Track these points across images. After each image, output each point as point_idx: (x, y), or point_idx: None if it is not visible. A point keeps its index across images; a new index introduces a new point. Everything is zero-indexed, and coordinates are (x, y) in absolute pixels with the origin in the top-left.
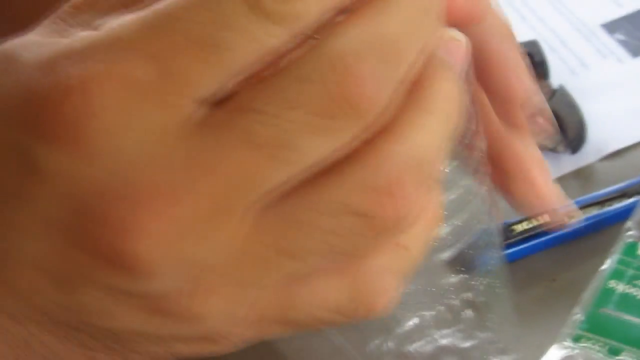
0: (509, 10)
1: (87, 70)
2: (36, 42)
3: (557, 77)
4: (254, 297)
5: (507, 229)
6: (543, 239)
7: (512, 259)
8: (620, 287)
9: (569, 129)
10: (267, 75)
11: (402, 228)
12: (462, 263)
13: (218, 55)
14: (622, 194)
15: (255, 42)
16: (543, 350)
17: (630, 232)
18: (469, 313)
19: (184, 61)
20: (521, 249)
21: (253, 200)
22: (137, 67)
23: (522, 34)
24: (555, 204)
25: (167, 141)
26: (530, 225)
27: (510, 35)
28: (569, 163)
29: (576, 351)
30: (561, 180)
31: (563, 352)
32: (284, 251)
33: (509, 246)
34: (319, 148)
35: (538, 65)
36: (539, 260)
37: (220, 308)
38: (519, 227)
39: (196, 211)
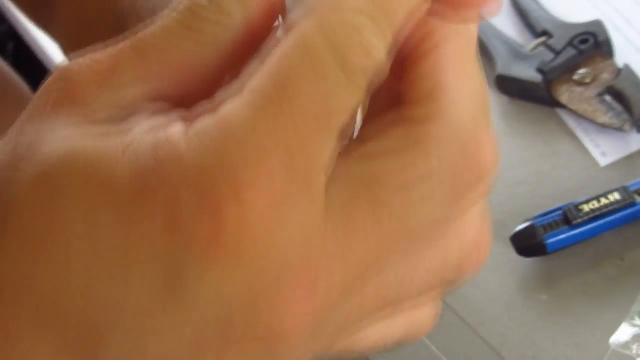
0: None
1: (236, 179)
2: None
3: (622, 56)
4: None
5: (576, 208)
6: (611, 218)
7: (580, 239)
8: None
9: (635, 108)
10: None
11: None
12: None
13: (334, 124)
14: None
15: (355, 100)
16: (613, 329)
17: None
18: None
19: (310, 143)
20: (590, 228)
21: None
22: (275, 166)
23: (586, 14)
24: None
25: (316, 230)
26: (599, 205)
27: None
28: (637, 142)
29: None
30: (628, 159)
31: (633, 331)
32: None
33: (577, 226)
34: (440, 229)
35: (603, 44)
36: (608, 240)
37: None
38: (587, 207)
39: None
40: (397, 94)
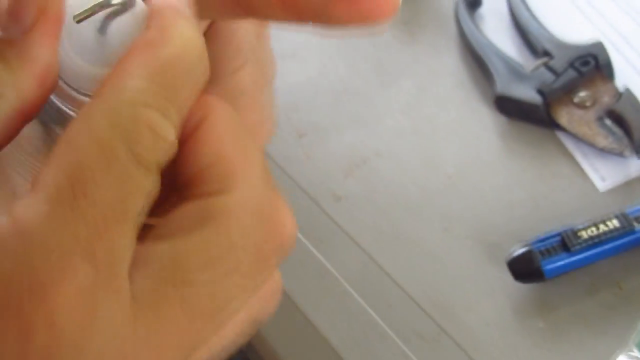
0: (573, 11)
1: (41, 285)
2: None
3: (622, 78)
4: None
5: (574, 234)
6: (610, 245)
7: (578, 265)
8: None
9: (635, 133)
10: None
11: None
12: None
13: (132, 211)
14: None
15: (149, 184)
16: (609, 358)
17: None
18: None
19: (110, 234)
20: (588, 255)
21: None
22: (78, 263)
23: (587, 35)
24: None
25: (126, 322)
26: (597, 232)
27: None
28: (636, 167)
29: None
30: (628, 184)
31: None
32: None
33: (575, 252)
34: (249, 295)
35: (603, 66)
36: (606, 267)
37: None
38: (585, 233)
39: None
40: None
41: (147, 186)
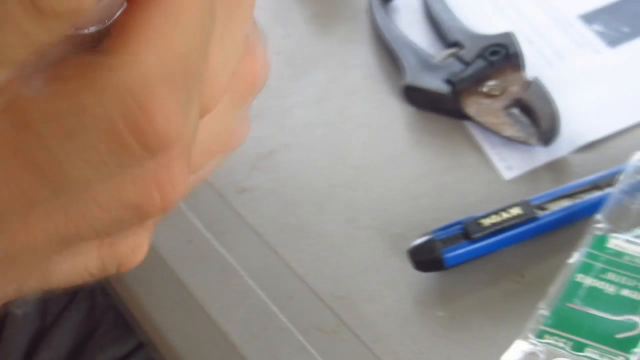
0: (486, 3)
1: None
2: None
3: (533, 68)
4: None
5: (475, 222)
6: (512, 232)
7: (480, 254)
8: (588, 281)
9: (542, 122)
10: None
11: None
12: None
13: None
14: (594, 187)
15: (29, 38)
16: (508, 346)
17: (599, 225)
18: None
19: None
20: (489, 243)
21: None
22: None
23: (498, 26)
24: None
25: None
26: (499, 219)
27: None
28: (542, 155)
29: (539, 348)
30: (533, 173)
31: (526, 348)
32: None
33: (477, 240)
34: (94, 180)
35: (513, 56)
36: (508, 255)
37: None
38: (487, 221)
39: None
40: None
41: (34, 34)
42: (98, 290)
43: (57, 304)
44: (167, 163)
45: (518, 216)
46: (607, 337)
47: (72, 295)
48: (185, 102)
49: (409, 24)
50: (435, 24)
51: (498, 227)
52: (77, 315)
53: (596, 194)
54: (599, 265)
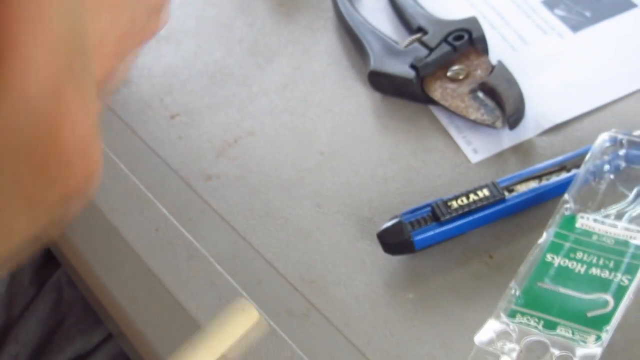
0: None
1: None
2: None
3: (497, 53)
4: None
5: (444, 205)
6: (480, 214)
7: (449, 236)
8: (557, 260)
9: (507, 105)
10: None
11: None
12: None
13: None
14: (561, 168)
15: None
16: (480, 326)
17: (567, 205)
18: None
19: None
20: (458, 225)
21: None
22: None
23: (462, 11)
24: None
25: None
26: (467, 201)
27: None
28: (508, 138)
29: (511, 327)
30: (499, 156)
31: (498, 327)
32: None
33: (445, 222)
34: None
35: (477, 41)
36: (477, 237)
37: None
38: (456, 203)
39: None
40: None
41: None
42: (64, 282)
43: (22, 297)
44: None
45: (486, 198)
46: (578, 315)
47: (38, 288)
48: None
49: (373, 11)
50: (399, 11)
51: (466, 209)
52: (43, 308)
53: (563, 175)
54: (568, 244)
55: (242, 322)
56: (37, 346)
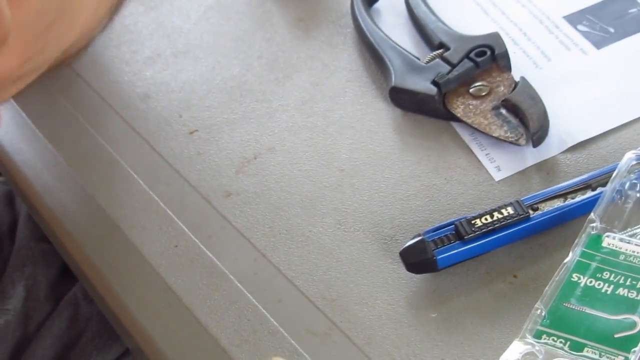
0: (471, 5)
1: None
2: None
3: (519, 70)
4: None
5: (468, 223)
6: (505, 232)
7: (472, 254)
8: (584, 281)
9: (531, 122)
10: None
11: None
12: None
13: None
14: (586, 186)
15: None
16: (504, 347)
17: (593, 224)
18: None
19: None
20: (482, 243)
21: None
22: None
23: (484, 26)
24: None
25: None
26: (491, 220)
27: None
28: (532, 156)
29: (537, 347)
30: (523, 173)
31: (524, 348)
32: None
33: (469, 241)
34: None
35: (500, 57)
36: (501, 256)
37: None
38: (480, 222)
39: None
40: None
41: None
42: (81, 298)
43: (39, 313)
44: None
45: (510, 216)
46: (605, 336)
47: (54, 304)
48: None
49: (393, 26)
50: (420, 26)
51: (490, 228)
52: (59, 323)
53: (589, 194)
54: (594, 264)
55: None
56: None
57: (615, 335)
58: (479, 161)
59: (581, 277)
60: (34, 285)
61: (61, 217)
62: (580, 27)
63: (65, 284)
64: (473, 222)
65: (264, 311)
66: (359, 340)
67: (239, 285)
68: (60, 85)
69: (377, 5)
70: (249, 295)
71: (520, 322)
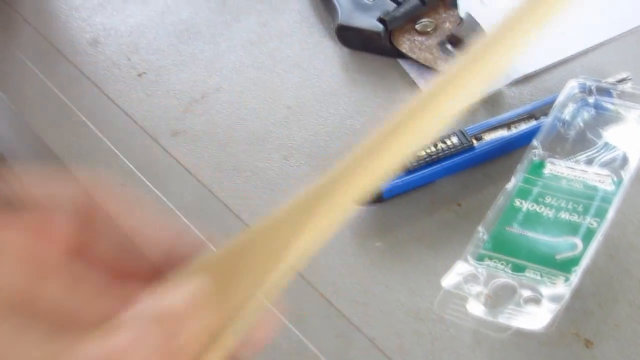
0: None
1: None
2: None
3: (466, 7)
4: None
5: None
6: (448, 162)
7: (417, 185)
8: (526, 205)
9: None
10: None
11: None
12: None
13: None
14: (530, 116)
15: None
16: (447, 270)
17: (536, 151)
18: None
19: None
20: (426, 173)
21: None
22: None
23: None
24: None
25: None
26: (435, 149)
27: None
28: None
29: (479, 270)
30: (470, 106)
31: (466, 270)
32: None
33: (413, 170)
34: None
35: None
36: (445, 186)
37: None
38: (424, 152)
39: None
40: None
41: None
42: None
43: None
44: None
45: (454, 146)
46: (547, 258)
47: None
48: None
49: None
50: None
51: (434, 157)
52: None
53: (532, 123)
54: (536, 189)
55: None
56: None
57: (557, 257)
58: None
59: (523, 202)
60: None
61: (10, 159)
62: None
63: None
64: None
65: (210, 245)
66: (304, 271)
67: (185, 220)
68: (10, 32)
69: None
70: (195, 230)
71: (463, 248)
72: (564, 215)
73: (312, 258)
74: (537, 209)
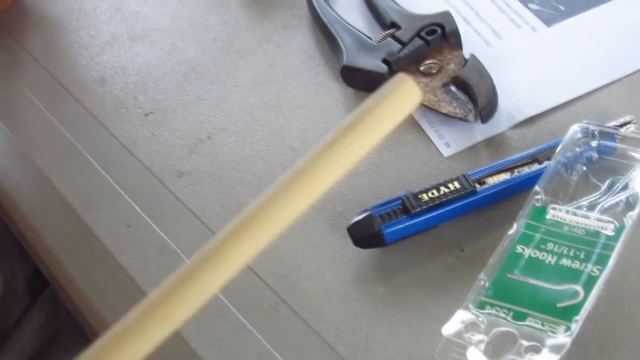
0: None
1: None
2: None
3: (471, 48)
4: None
5: (414, 197)
6: (451, 206)
7: (419, 228)
8: (528, 252)
9: (479, 98)
10: None
11: None
12: None
13: None
14: (533, 160)
15: None
16: (449, 319)
17: (538, 197)
18: None
19: None
20: (429, 217)
21: None
22: None
23: (436, 5)
24: None
25: None
26: (438, 194)
27: None
28: (480, 132)
29: (480, 318)
30: (472, 149)
31: (467, 318)
32: None
33: (416, 215)
34: None
35: (450, 35)
36: (448, 230)
37: None
38: (426, 196)
39: None
40: None
41: None
42: (60, 292)
43: (17, 307)
44: None
45: (457, 190)
46: (548, 306)
47: (33, 298)
48: None
49: (347, 8)
50: (373, 7)
51: (437, 202)
52: (38, 318)
53: (534, 167)
54: (538, 236)
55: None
56: (34, 356)
57: (558, 305)
58: (429, 138)
59: (525, 248)
60: (12, 280)
61: (16, 198)
62: (531, 5)
63: (43, 278)
64: (420, 196)
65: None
66: (306, 315)
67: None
68: (18, 70)
69: None
70: None
71: (465, 294)
72: (566, 262)
73: (315, 302)
74: (539, 256)
